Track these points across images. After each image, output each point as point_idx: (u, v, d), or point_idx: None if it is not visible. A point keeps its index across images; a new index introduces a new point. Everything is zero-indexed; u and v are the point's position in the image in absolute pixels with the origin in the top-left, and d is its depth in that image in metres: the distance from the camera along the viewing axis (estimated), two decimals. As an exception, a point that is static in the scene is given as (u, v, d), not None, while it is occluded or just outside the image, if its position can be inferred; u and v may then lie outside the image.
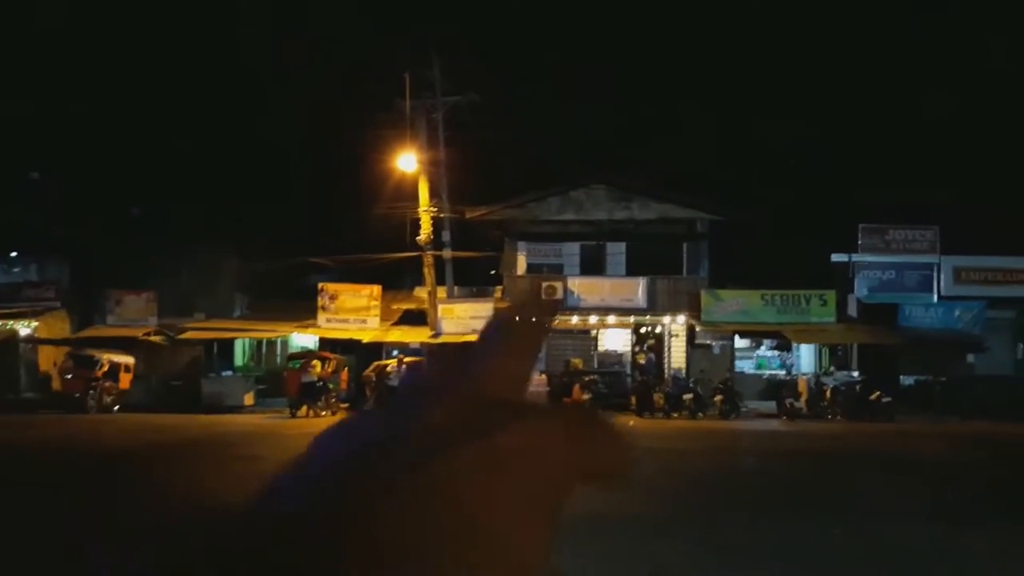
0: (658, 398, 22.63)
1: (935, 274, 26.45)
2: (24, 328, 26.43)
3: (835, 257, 26.81)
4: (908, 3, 35.95)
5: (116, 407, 23.33)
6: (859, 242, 26.63)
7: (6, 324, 26.54)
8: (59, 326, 26.94)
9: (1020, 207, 27.46)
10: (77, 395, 22.62)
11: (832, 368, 25.50)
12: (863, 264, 26.66)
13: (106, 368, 23.30)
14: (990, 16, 33.58)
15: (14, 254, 29.44)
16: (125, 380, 24.07)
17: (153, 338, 25.68)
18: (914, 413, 22.35)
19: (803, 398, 22.92)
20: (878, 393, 22.05)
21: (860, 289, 26.54)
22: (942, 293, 26.26)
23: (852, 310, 26.18)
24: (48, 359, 25.90)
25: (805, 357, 27.53)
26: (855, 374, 24.52)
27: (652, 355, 25.19)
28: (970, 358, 25.21)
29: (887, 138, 32.61)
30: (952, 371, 24.41)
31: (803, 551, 7.05)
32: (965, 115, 32.16)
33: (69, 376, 23.14)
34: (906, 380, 24.83)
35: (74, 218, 27.94)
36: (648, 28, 40.42)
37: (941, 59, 34.18)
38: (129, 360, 24.35)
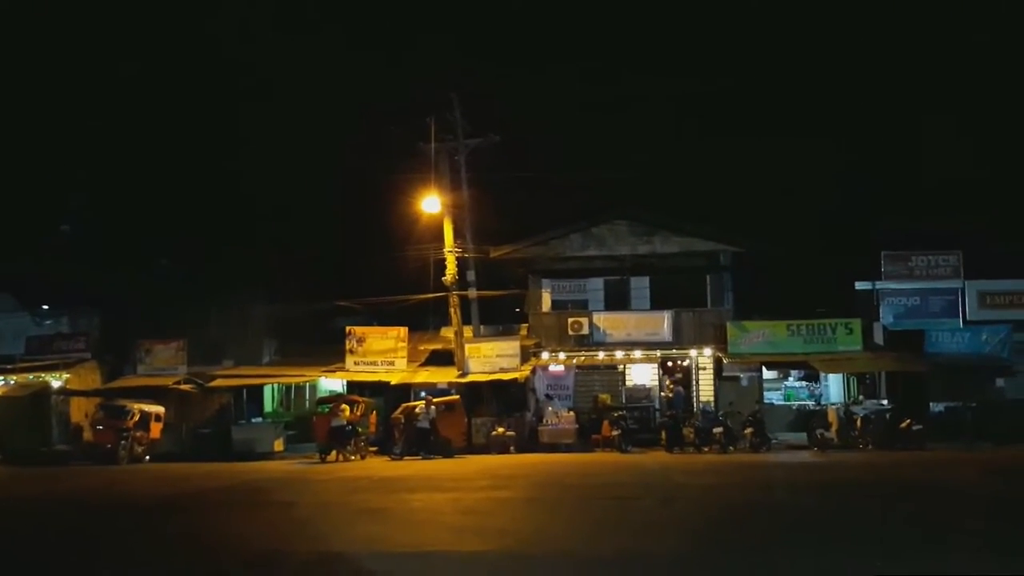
0: (688, 432, 22.54)
1: (960, 299, 26.27)
2: (56, 380, 26.79)
3: (859, 285, 26.69)
4: (923, 26, 36.06)
5: (147, 457, 23.57)
6: (883, 269, 26.54)
7: (38, 376, 26.93)
8: (90, 377, 27.31)
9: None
10: (108, 446, 22.86)
11: (861, 397, 25.26)
12: (887, 291, 26.54)
13: (137, 418, 23.57)
14: (1009, 36, 33.65)
15: (45, 307, 29.99)
16: (156, 430, 24.32)
17: (183, 387, 25.96)
18: (945, 440, 22.12)
19: (833, 428, 22.77)
20: (908, 421, 21.87)
21: (885, 316, 26.39)
22: (968, 318, 26.05)
23: (878, 338, 26.01)
24: (80, 410, 26.18)
25: (833, 387, 27.31)
26: (884, 402, 24.29)
27: (680, 388, 25.12)
28: (1000, 382, 24.93)
29: (907, 163, 32.59)
30: (982, 396, 24.15)
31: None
32: (984, 137, 32.10)
33: (100, 427, 23.41)
34: (936, 407, 24.57)
35: (104, 270, 28.45)
36: (661, 59, 40.80)
37: (957, 79, 34.22)
38: (159, 410, 24.63)
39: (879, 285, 26.56)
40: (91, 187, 29.88)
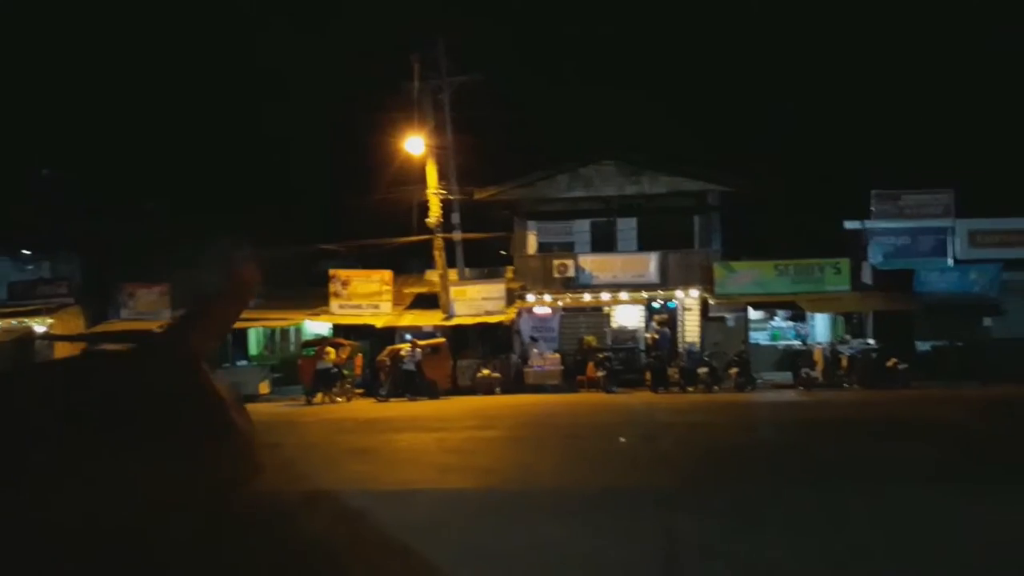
0: (673, 373, 22.58)
1: (950, 238, 26.17)
2: (39, 325, 26.57)
3: (848, 224, 26.52)
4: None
5: (134, 400, 23.45)
6: (872, 208, 26.35)
7: (21, 322, 26.70)
8: (74, 322, 27.07)
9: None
10: (93, 390, 22.68)
11: (848, 336, 25.30)
12: (877, 231, 26.38)
13: (121, 362, 23.37)
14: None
15: (27, 252, 29.57)
16: (141, 374, 24.15)
17: (167, 331, 25.71)
18: (931, 379, 22.22)
19: (819, 368, 22.85)
20: (894, 360, 21.96)
21: (874, 256, 26.30)
22: (957, 257, 25.98)
23: (867, 277, 25.96)
24: (64, 355, 25.93)
25: (820, 326, 27.32)
26: (871, 342, 24.35)
27: (666, 329, 25.13)
28: (987, 322, 24.99)
29: (898, 102, 32.25)
30: (969, 335, 24.22)
31: (820, 518, 7.01)
32: (976, 77, 31.74)
33: (85, 371, 23.20)
34: (922, 346, 24.65)
35: (85, 213, 27.99)
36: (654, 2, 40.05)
37: (953, 20, 33.73)
38: (144, 353, 24.42)
39: (868, 224, 26.39)
40: (73, 130, 29.24)
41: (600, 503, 7.75)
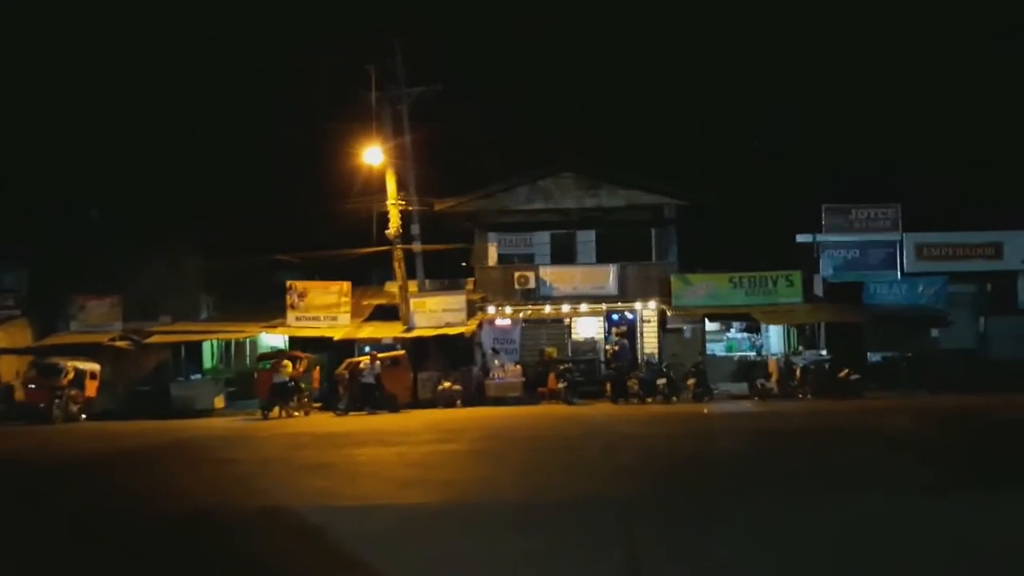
0: (632, 384, 22.74)
1: (898, 251, 26.84)
2: (-16, 339, 25.85)
3: (800, 238, 27.10)
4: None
5: (83, 415, 22.94)
6: (823, 222, 26.95)
7: (-34, 335, 25.95)
8: (21, 335, 26.38)
9: (979, 182, 27.97)
10: (42, 405, 22.14)
11: (801, 348, 25.77)
12: (827, 244, 26.99)
13: (71, 376, 22.86)
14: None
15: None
16: (91, 388, 23.65)
17: (119, 343, 25.23)
18: (882, 389, 22.75)
19: (773, 378, 23.21)
20: (846, 371, 22.40)
21: (825, 269, 26.86)
22: (905, 270, 26.66)
23: (818, 290, 26.50)
24: (11, 369, 25.37)
25: (774, 338, 27.79)
26: (823, 353, 24.80)
27: (626, 341, 25.31)
28: (934, 333, 25.65)
29: (848, 117, 32.92)
30: (917, 346, 24.84)
31: (780, 525, 7.11)
32: (925, 90, 32.56)
33: (33, 386, 22.66)
34: (873, 357, 25.23)
35: (30, 222, 27.32)
36: (603, 10, 40.41)
37: (899, 32, 34.58)
38: (95, 367, 23.94)
39: (819, 238, 26.98)
40: (11, 133, 28.43)
41: (562, 514, 7.77)
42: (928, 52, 32.71)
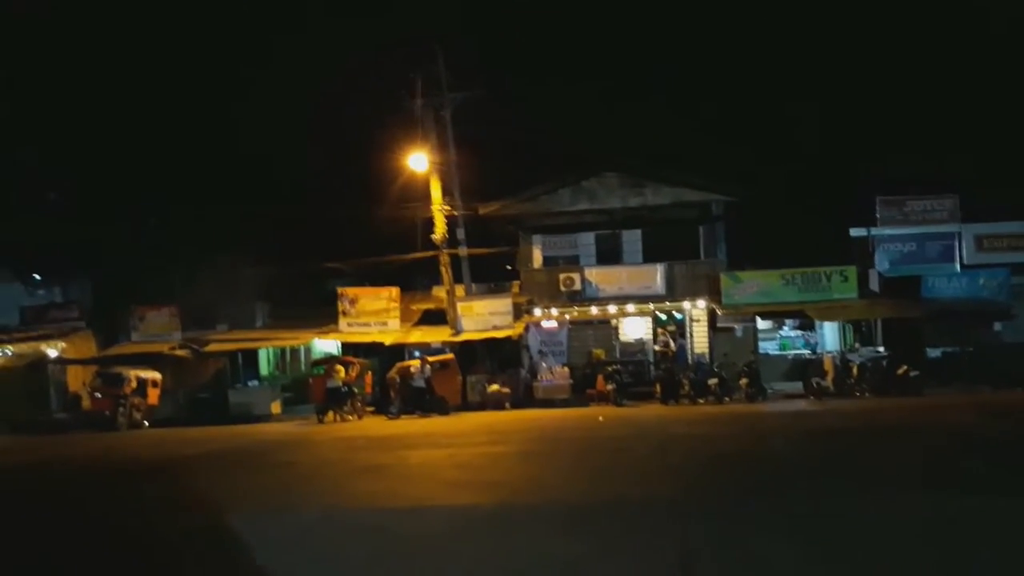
0: (683, 384, 22.57)
1: (957, 243, 26.16)
2: (51, 350, 26.73)
3: (854, 232, 26.55)
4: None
5: (146, 423, 23.61)
6: (878, 215, 26.37)
7: (34, 347, 26.85)
8: (85, 346, 27.24)
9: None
10: (107, 413, 22.90)
11: (857, 345, 25.28)
12: (883, 237, 26.41)
13: (134, 385, 23.58)
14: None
15: (38, 277, 29.79)
16: (153, 396, 24.34)
17: (178, 352, 25.90)
18: (943, 386, 22.17)
19: (829, 377, 22.78)
20: (905, 367, 21.89)
21: (881, 263, 26.30)
22: (965, 262, 25.96)
23: (874, 284, 25.94)
24: (77, 379, 26.21)
25: (829, 335, 27.30)
26: (881, 349, 24.32)
27: (683, 340, 25.12)
28: (997, 326, 24.92)
29: (902, 106, 32.21)
30: (979, 341, 24.16)
31: (833, 527, 7.02)
32: (981, 78, 31.71)
33: (98, 395, 23.42)
34: (933, 353, 24.59)
35: (93, 236, 28.16)
36: (646, 7, 40.18)
37: (955, 21, 33.74)
38: (156, 376, 24.61)
39: (874, 231, 26.41)
40: (76, 150, 29.35)
41: (612, 515, 7.77)
42: (984, 35, 31.85)
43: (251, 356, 27.74)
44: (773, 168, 29.72)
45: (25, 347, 26.84)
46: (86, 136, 29.23)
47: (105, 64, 29.94)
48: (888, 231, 26.39)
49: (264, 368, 28.93)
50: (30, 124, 28.37)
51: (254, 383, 27.34)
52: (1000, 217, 26.12)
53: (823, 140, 30.79)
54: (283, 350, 29.34)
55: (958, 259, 26.07)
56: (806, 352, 26.87)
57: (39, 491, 11.73)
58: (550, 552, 6.52)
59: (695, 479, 9.92)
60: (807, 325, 27.22)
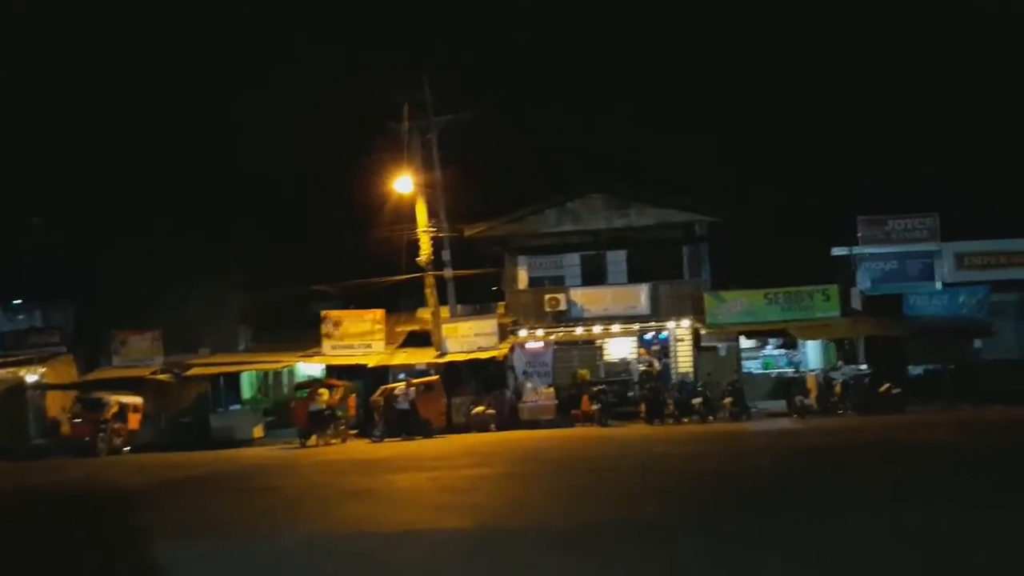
0: (667, 404, 22.58)
1: (937, 261, 26.42)
2: (31, 375, 26.45)
3: (836, 251, 26.77)
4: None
5: (126, 448, 23.35)
6: (859, 234, 26.61)
7: (13, 372, 26.56)
8: (66, 371, 26.98)
9: (1019, 188, 27.44)
10: (87, 438, 22.65)
11: (840, 363, 25.41)
12: (864, 256, 26.63)
13: (115, 410, 23.34)
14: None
15: (18, 301, 29.51)
16: (134, 420, 24.10)
17: (160, 376, 25.69)
18: (925, 403, 22.31)
19: (812, 395, 22.88)
20: (887, 385, 22.02)
21: (863, 281, 26.50)
22: (945, 280, 26.21)
23: (856, 303, 26.13)
24: (56, 404, 25.92)
25: (812, 353, 27.43)
26: (863, 367, 24.43)
27: (667, 360, 25.17)
28: (977, 343, 25.13)
29: (882, 126, 32.57)
30: (960, 358, 24.35)
31: (824, 544, 7.01)
32: (960, 97, 32.13)
33: (78, 420, 23.16)
34: (915, 370, 24.76)
35: (75, 261, 27.97)
36: (627, 31, 40.55)
37: (933, 38, 34.22)
38: (137, 400, 24.38)
39: (856, 250, 26.63)
40: (60, 175, 29.21)
41: (598, 537, 7.74)
42: (965, 57, 32.32)
43: (233, 380, 27.54)
44: (756, 188, 29.92)
45: (4, 372, 26.54)
46: (69, 161, 29.10)
47: (87, 90, 29.88)
48: (869, 250, 26.61)
49: (247, 392, 28.72)
50: (12, 147, 28.19)
51: (236, 407, 27.12)
52: (979, 235, 26.42)
53: (806, 160, 31.04)
54: (266, 373, 29.13)
55: (938, 277, 26.32)
56: (789, 371, 26.95)
57: (17, 519, 11.54)
58: (536, 573, 6.48)
59: (682, 499, 9.90)
60: (790, 344, 27.35)
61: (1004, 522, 7.47)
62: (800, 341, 26.42)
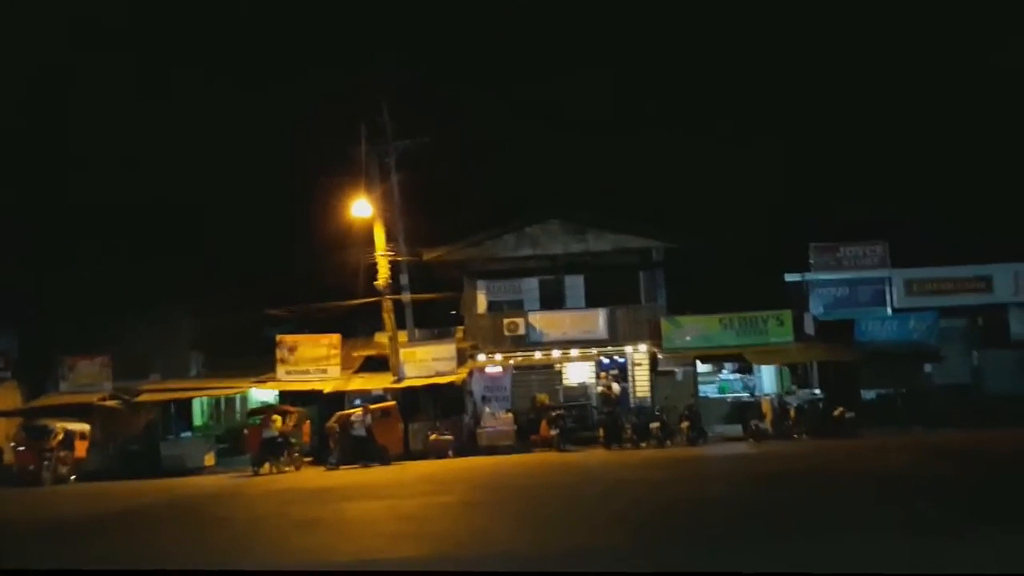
0: (625, 428, 22.60)
1: (888, 288, 26.94)
2: (-27, 402, 25.61)
3: (789, 277, 27.18)
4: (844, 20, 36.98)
5: (73, 477, 22.64)
6: (811, 261, 27.07)
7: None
8: (10, 397, 26.19)
9: (966, 217, 28.19)
10: (31, 467, 21.91)
11: (794, 387, 25.71)
12: (817, 282, 27.07)
13: (60, 437, 22.62)
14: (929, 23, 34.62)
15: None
16: (81, 448, 23.37)
17: (109, 403, 25.02)
18: (878, 426, 22.61)
19: (768, 419, 23.09)
20: (841, 409, 22.30)
21: (815, 307, 26.91)
22: (895, 306, 26.72)
23: (809, 328, 26.50)
24: (0, 432, 25.11)
25: (767, 378, 27.74)
26: (817, 392, 24.77)
27: (626, 384, 25.22)
28: (927, 368, 25.61)
29: (833, 156, 33.32)
30: (911, 382, 24.79)
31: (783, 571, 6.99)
32: (909, 128, 33.01)
33: (21, 448, 22.42)
34: (867, 394, 25.14)
35: (19, 285, 27.21)
36: (586, 56, 41.09)
37: (884, 69, 35.17)
38: (84, 428, 23.69)
39: (808, 276, 27.05)
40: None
41: (555, 567, 7.65)
42: (912, 87, 33.26)
43: (184, 406, 26.96)
44: (711, 216, 30.34)
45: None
46: (12, 183, 28.39)
47: (30, 112, 29.27)
48: (822, 276, 27.05)
49: (198, 418, 28.12)
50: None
51: (187, 434, 26.53)
52: (928, 263, 27.03)
53: (760, 188, 31.59)
54: (218, 400, 28.58)
55: (889, 303, 26.82)
56: (745, 395, 27.20)
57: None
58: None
59: (640, 528, 9.85)
60: (746, 368, 27.62)
61: (943, 547, 7.56)
62: (755, 366, 26.69)
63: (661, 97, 38.33)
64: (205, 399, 27.77)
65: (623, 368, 26.33)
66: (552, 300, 26.81)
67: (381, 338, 26.35)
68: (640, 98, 37.63)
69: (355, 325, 27.59)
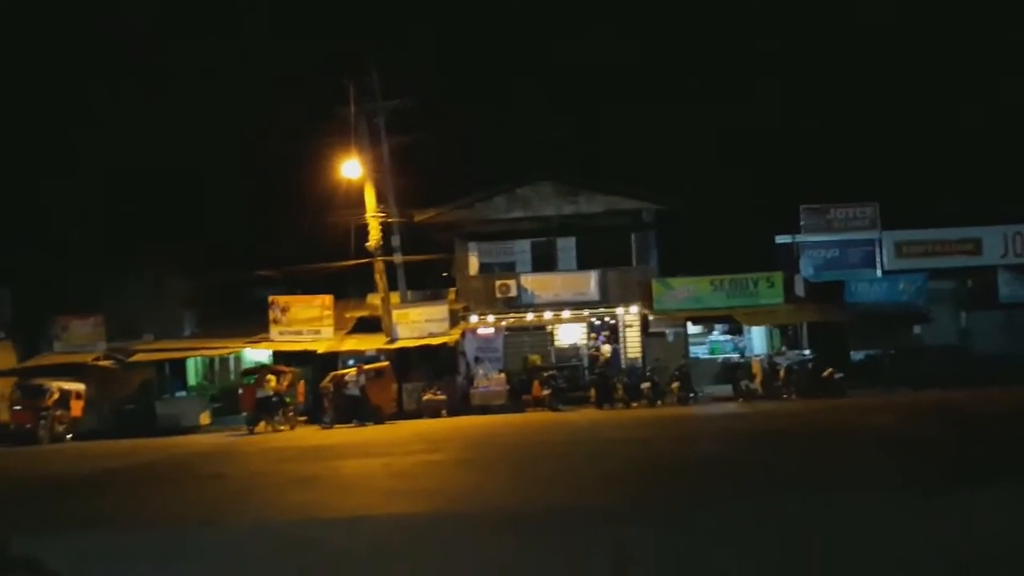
0: (617, 388, 22.85)
1: (877, 249, 27.09)
2: (-32, 362, 25.68)
3: (779, 239, 27.30)
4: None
5: (69, 436, 22.85)
6: (801, 223, 27.17)
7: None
8: (4, 357, 26.25)
9: (955, 178, 28.30)
10: (28, 426, 22.14)
11: (784, 348, 25.99)
12: (807, 244, 27.21)
13: (56, 397, 22.80)
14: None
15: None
16: (77, 408, 23.57)
17: (103, 363, 25.15)
18: (866, 387, 22.94)
19: (757, 379, 23.38)
20: (830, 370, 22.59)
21: (806, 269, 27.08)
22: (885, 268, 26.91)
23: (800, 290, 26.71)
24: (-4, 390, 25.25)
25: (757, 339, 27.98)
26: (806, 352, 25.05)
27: (618, 346, 25.41)
28: (916, 329, 25.91)
29: (827, 116, 33.24)
30: (900, 343, 25.09)
31: (770, 528, 7.15)
32: (902, 89, 32.93)
33: (18, 407, 22.61)
34: (856, 355, 25.45)
35: (12, 245, 27.13)
36: (579, 17, 40.70)
37: (875, 33, 34.97)
38: (80, 387, 23.85)
39: (799, 238, 27.19)
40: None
41: (548, 522, 7.81)
42: (904, 49, 33.11)
43: (179, 366, 27.12)
44: (703, 177, 30.33)
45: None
46: (5, 142, 28.17)
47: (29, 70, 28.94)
48: (812, 238, 27.18)
49: (192, 378, 28.29)
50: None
51: (182, 394, 26.73)
52: (918, 224, 27.16)
53: (751, 149, 31.56)
54: (212, 360, 28.73)
55: (879, 265, 27.00)
56: (735, 356, 27.46)
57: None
58: (489, 559, 6.53)
59: (631, 485, 10.04)
60: (736, 329, 27.84)
61: (926, 504, 7.72)
62: (745, 327, 26.92)
63: (652, 55, 38.09)
64: (199, 359, 27.92)
65: (615, 329, 26.51)
66: (544, 262, 26.91)
67: (373, 299, 26.46)
68: (632, 57, 37.37)
69: (347, 286, 27.68)
